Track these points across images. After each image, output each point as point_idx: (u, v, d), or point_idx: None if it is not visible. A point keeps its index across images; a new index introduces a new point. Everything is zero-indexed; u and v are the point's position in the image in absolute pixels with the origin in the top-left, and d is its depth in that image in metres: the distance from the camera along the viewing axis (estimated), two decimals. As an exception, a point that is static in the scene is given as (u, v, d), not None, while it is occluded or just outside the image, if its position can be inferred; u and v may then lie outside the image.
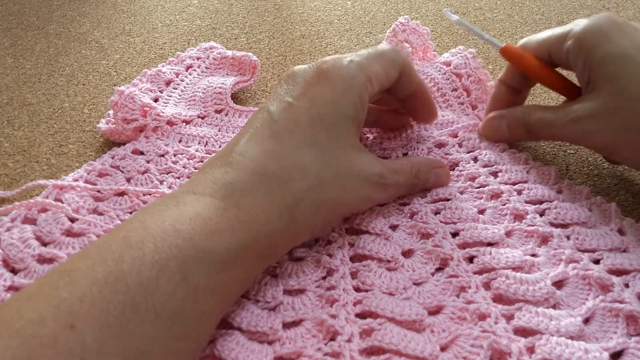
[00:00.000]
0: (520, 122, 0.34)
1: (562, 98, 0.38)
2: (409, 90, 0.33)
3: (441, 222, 0.31)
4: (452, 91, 0.41)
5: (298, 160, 0.26)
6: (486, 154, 0.35)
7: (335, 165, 0.27)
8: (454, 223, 0.31)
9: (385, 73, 0.30)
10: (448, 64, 0.42)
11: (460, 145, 0.37)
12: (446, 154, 0.36)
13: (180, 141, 0.39)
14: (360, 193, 0.28)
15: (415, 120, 0.38)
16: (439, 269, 0.28)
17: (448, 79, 0.41)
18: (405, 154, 0.37)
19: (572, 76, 0.34)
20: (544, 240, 0.29)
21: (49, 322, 0.18)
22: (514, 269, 0.27)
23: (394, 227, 0.31)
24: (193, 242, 0.21)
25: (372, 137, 0.38)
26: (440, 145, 0.37)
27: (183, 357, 0.21)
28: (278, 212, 0.24)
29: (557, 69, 0.35)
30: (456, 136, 0.38)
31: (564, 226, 0.30)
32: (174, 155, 0.37)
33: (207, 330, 0.23)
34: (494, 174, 0.34)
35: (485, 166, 0.35)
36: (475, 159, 0.36)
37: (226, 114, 0.41)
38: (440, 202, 0.32)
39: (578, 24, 0.31)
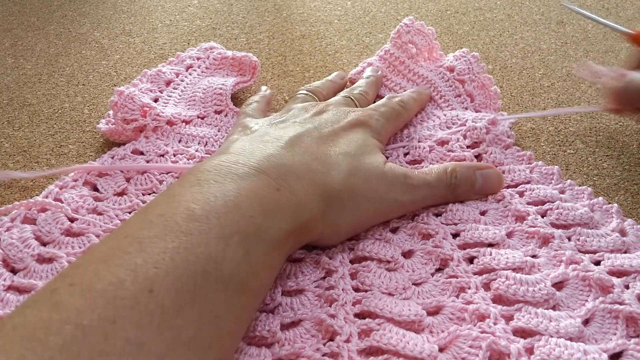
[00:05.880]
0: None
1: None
2: None
3: (442, 223, 0.31)
4: (455, 97, 0.41)
5: (334, 162, 0.29)
6: (491, 153, 0.35)
7: (365, 169, 0.29)
8: (455, 224, 0.31)
9: (394, 129, 0.37)
10: (451, 70, 0.42)
11: (464, 137, 0.36)
12: (449, 150, 0.36)
13: (180, 141, 0.39)
14: (389, 197, 0.30)
15: None
16: (438, 270, 0.28)
17: (451, 86, 0.41)
18: (406, 154, 0.36)
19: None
20: (545, 241, 0.29)
21: (129, 285, 0.18)
22: (514, 269, 0.27)
23: (394, 230, 0.31)
24: (252, 220, 0.23)
25: None
26: (443, 142, 0.37)
27: (245, 323, 0.23)
28: (317, 201, 0.27)
29: None
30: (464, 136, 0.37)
31: (565, 227, 0.30)
32: (174, 156, 0.37)
33: (261, 302, 0.25)
34: None
35: None
36: (479, 156, 0.36)
37: (225, 115, 0.41)
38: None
39: None
